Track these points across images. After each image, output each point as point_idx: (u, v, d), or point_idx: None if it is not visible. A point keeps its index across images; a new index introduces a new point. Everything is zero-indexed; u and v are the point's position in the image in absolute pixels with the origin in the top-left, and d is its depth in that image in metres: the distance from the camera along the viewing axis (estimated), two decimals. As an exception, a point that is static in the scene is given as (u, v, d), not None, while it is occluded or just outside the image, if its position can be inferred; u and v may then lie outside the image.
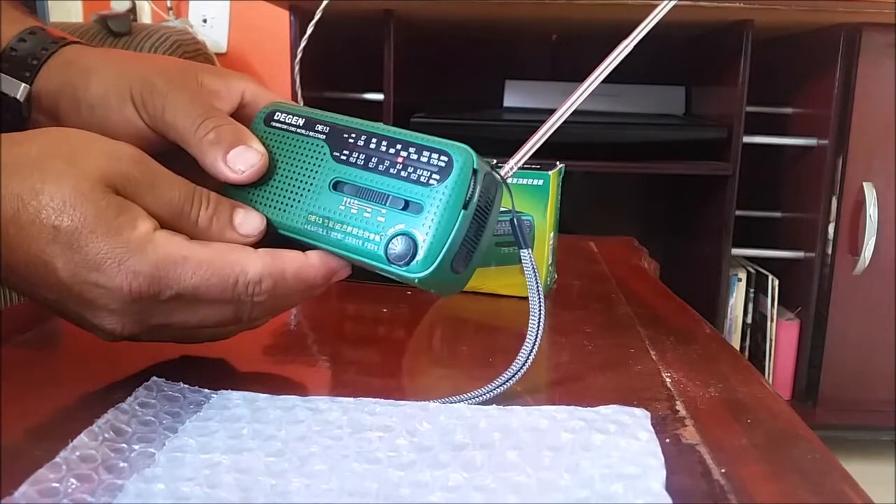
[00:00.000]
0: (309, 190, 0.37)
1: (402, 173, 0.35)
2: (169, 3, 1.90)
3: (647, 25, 0.36)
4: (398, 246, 0.34)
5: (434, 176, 0.34)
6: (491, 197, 0.35)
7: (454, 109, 1.48)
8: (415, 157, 0.35)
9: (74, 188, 0.32)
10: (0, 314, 0.44)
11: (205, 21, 1.93)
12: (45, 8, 1.66)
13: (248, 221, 0.36)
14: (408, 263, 0.34)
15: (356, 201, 0.35)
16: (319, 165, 0.37)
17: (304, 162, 0.38)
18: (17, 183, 0.32)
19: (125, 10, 1.83)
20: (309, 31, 1.05)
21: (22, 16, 0.46)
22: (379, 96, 1.33)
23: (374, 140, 0.36)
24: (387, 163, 0.35)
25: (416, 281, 0.34)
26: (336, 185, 0.36)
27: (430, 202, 0.34)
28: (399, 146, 0.36)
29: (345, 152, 0.37)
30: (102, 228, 0.32)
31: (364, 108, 1.36)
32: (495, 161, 0.41)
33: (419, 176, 0.34)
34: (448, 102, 1.61)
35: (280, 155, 0.39)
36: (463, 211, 0.34)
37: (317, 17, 1.04)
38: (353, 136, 0.37)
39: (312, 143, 0.38)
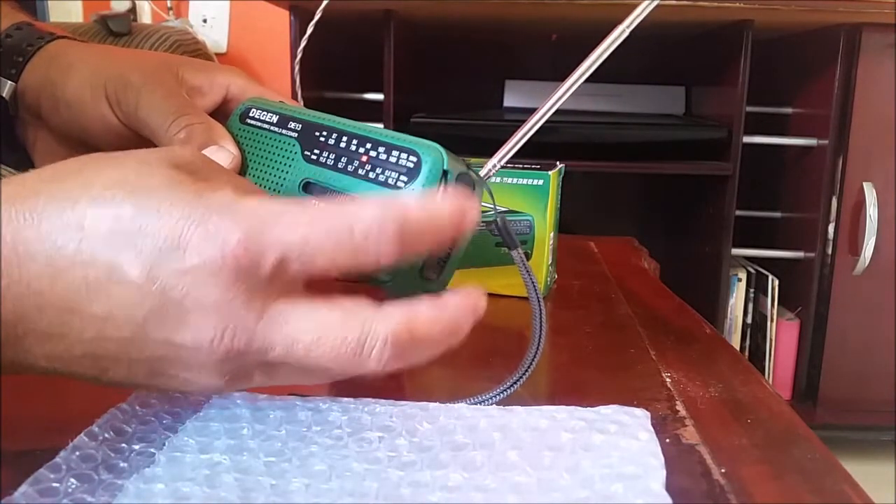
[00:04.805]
0: (279, 191, 0.35)
1: (371, 175, 0.33)
2: (169, 3, 1.90)
3: (631, 23, 0.36)
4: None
5: (402, 178, 0.32)
6: None
7: (454, 109, 1.48)
8: (384, 157, 0.33)
9: (136, 168, 0.26)
10: None
11: (205, 21, 1.93)
12: (45, 8, 1.66)
13: None
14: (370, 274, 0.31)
15: None
16: (290, 165, 0.36)
17: (275, 161, 0.36)
18: (65, 185, 0.25)
19: (125, 10, 1.83)
20: (309, 31, 1.05)
21: (11, 11, 0.45)
22: (379, 96, 1.33)
23: (344, 139, 0.35)
24: (356, 163, 0.34)
25: (385, 289, 0.32)
26: (306, 187, 0.35)
27: None
28: (369, 145, 0.34)
29: (315, 151, 0.35)
30: (177, 194, 0.25)
31: (364, 108, 1.36)
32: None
33: (387, 178, 0.33)
34: (448, 102, 1.61)
35: (254, 154, 0.37)
36: None
37: (317, 17, 1.04)
38: (325, 134, 0.35)
39: (284, 142, 0.36)
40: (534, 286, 0.36)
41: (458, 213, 0.27)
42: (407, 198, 0.27)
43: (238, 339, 0.25)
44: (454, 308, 0.28)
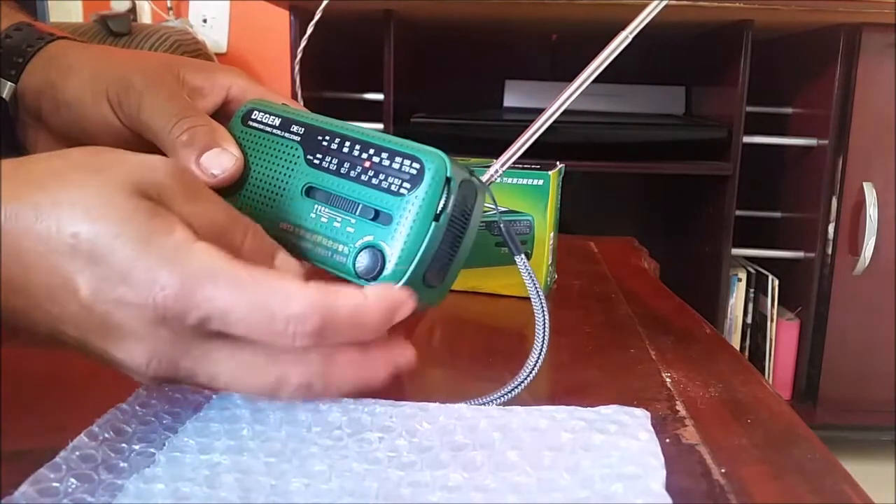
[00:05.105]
0: (282, 195, 0.35)
1: (374, 180, 0.33)
2: (169, 3, 1.90)
3: (633, 30, 0.36)
4: (365, 259, 0.32)
5: (405, 184, 0.32)
6: (469, 206, 0.33)
7: (454, 109, 1.48)
8: (387, 163, 0.33)
9: (99, 193, 0.28)
10: (0, 313, 0.44)
11: (205, 21, 1.93)
12: (45, 8, 1.66)
13: (288, 268, 0.33)
14: (375, 278, 0.32)
15: (327, 209, 0.34)
16: (293, 169, 0.35)
17: (278, 165, 0.36)
18: (37, 192, 0.28)
19: (125, 10, 1.83)
20: (309, 31, 1.05)
21: (10, 11, 0.45)
22: (379, 96, 1.33)
23: (347, 144, 0.35)
24: (359, 169, 0.34)
25: None
26: (308, 191, 0.35)
27: (400, 213, 0.32)
28: (372, 151, 0.34)
29: (318, 156, 0.35)
30: (130, 232, 0.27)
31: (364, 108, 1.36)
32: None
33: (390, 184, 0.33)
34: (448, 102, 1.61)
35: (255, 157, 0.37)
36: (434, 223, 0.32)
37: (317, 17, 1.04)
38: (328, 138, 0.35)
39: (287, 146, 0.36)
40: (538, 293, 0.36)
41: (386, 319, 0.30)
42: (341, 296, 0.28)
43: (165, 368, 0.28)
44: (376, 359, 0.30)
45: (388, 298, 0.30)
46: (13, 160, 0.29)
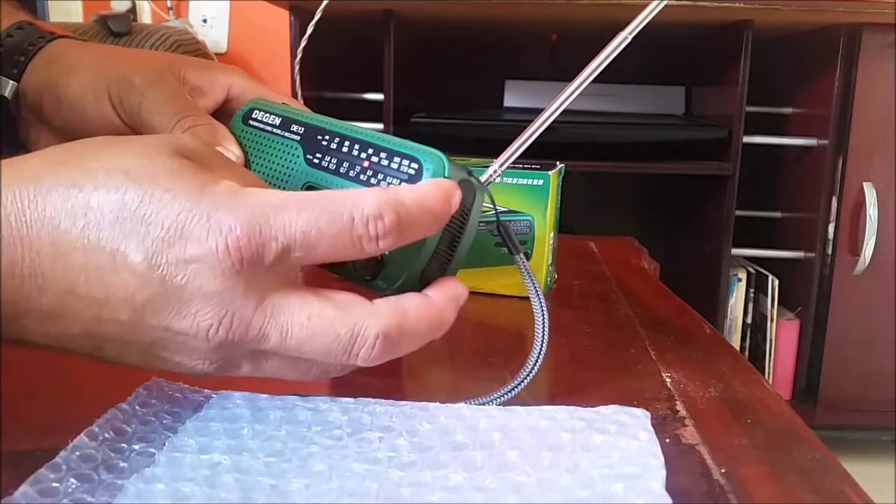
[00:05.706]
0: None
1: (373, 180, 0.33)
2: (169, 3, 1.90)
3: (633, 30, 0.36)
4: (362, 259, 0.32)
5: (403, 185, 0.32)
6: (467, 206, 0.34)
7: (454, 109, 1.48)
8: (385, 163, 0.33)
9: (137, 158, 0.26)
10: None
11: (205, 21, 1.93)
12: (45, 8, 1.66)
13: None
14: (373, 278, 0.32)
15: None
16: (292, 169, 0.36)
17: (278, 164, 0.36)
18: (70, 171, 0.25)
19: (125, 10, 1.83)
20: (309, 31, 1.05)
21: (12, 10, 0.45)
22: (379, 96, 1.33)
23: (346, 143, 0.35)
24: (357, 168, 0.34)
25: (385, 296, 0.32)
26: (308, 190, 0.34)
27: None
28: (371, 150, 0.34)
29: (317, 155, 0.35)
30: (180, 185, 0.25)
31: (364, 108, 1.36)
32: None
33: (388, 184, 0.33)
34: (448, 102, 1.61)
35: (256, 156, 0.37)
36: None
37: (317, 17, 1.04)
38: (327, 138, 0.35)
39: (287, 145, 0.37)
40: (537, 292, 0.36)
41: (444, 204, 0.30)
42: (399, 189, 0.29)
43: (234, 329, 0.26)
44: (440, 302, 0.30)
45: (437, 185, 0.30)
46: (25, 156, 0.28)
